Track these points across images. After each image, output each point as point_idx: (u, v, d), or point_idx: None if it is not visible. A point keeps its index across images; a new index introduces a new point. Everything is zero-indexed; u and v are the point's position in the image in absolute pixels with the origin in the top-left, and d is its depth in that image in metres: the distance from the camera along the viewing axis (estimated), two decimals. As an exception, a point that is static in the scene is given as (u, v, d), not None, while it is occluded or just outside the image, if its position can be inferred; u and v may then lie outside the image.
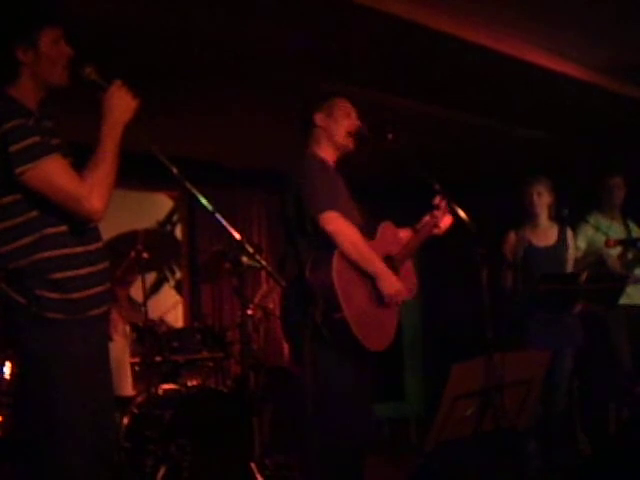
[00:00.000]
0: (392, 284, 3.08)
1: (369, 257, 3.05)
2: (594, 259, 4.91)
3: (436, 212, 3.40)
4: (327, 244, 2.98)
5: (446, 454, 3.46)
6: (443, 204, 3.37)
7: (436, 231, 3.42)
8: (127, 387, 4.30)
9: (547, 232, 4.64)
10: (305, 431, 2.82)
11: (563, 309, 4.41)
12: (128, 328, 4.36)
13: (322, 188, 3.03)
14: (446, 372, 2.88)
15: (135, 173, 4.40)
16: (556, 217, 4.66)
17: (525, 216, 4.65)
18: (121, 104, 2.44)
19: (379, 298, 3.08)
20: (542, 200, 4.59)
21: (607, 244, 4.85)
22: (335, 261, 2.94)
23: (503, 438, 2.98)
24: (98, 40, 3.41)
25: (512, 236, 4.60)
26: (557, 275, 4.52)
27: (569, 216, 4.79)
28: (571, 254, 4.68)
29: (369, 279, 3.07)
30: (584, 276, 4.26)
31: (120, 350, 4.18)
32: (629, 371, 4.95)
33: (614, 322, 4.97)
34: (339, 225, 2.98)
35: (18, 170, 2.29)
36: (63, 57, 2.46)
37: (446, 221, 3.41)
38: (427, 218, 3.41)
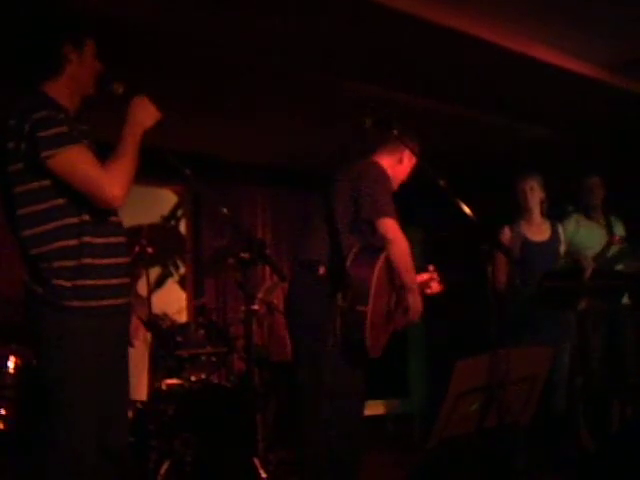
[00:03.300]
0: (420, 301, 3.30)
1: (412, 270, 3.28)
2: (569, 260, 4.87)
3: (435, 274, 3.67)
4: (376, 245, 3.19)
5: (449, 451, 3.46)
6: (436, 273, 3.68)
7: (428, 292, 3.66)
8: (142, 392, 4.29)
9: (541, 227, 4.64)
10: (307, 427, 2.94)
11: (567, 305, 4.39)
12: (149, 335, 4.33)
13: (388, 196, 3.25)
14: (450, 369, 2.87)
15: (140, 168, 4.40)
16: (560, 213, 4.65)
17: (518, 212, 4.65)
18: (144, 111, 2.57)
19: (391, 313, 3.30)
20: (535, 195, 4.60)
21: (612, 241, 4.86)
22: (380, 262, 3.15)
23: (504, 435, 2.98)
24: (103, 37, 3.41)
25: (507, 232, 4.58)
26: (562, 271, 4.50)
27: (573, 212, 4.78)
28: (562, 249, 4.68)
29: (394, 293, 3.29)
30: (589, 272, 4.26)
31: (140, 356, 4.18)
32: (631, 368, 4.95)
33: (616, 319, 4.97)
34: (397, 234, 3.20)
35: (44, 154, 2.38)
36: (96, 70, 2.60)
37: (436, 288, 3.68)
38: (425, 277, 3.66)
